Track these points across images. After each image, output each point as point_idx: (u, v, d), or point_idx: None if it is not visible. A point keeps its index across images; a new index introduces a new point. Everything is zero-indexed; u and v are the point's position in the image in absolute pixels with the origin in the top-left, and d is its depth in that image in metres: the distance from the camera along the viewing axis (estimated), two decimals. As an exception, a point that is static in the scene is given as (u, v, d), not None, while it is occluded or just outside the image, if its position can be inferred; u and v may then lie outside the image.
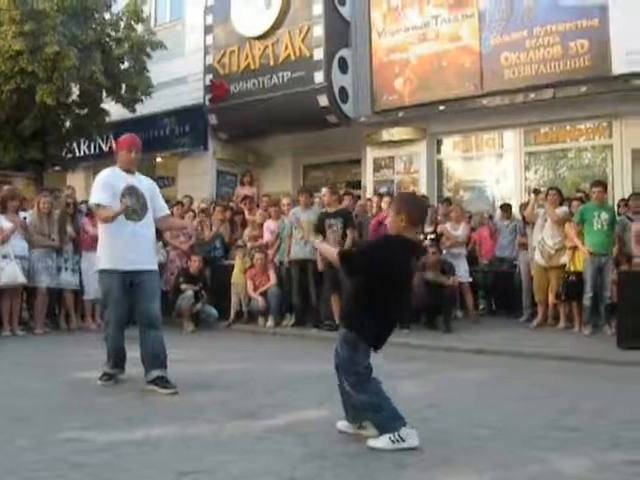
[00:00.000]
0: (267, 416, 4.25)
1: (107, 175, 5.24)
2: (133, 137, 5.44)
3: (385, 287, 3.56)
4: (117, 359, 5.31)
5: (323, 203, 9.32)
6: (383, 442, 3.50)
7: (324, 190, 9.18)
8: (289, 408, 4.50)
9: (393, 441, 3.47)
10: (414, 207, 3.63)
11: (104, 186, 5.14)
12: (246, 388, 5.25)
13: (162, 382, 4.99)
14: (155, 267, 5.37)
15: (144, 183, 5.38)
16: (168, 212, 5.71)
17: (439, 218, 10.12)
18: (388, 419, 3.53)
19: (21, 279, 8.51)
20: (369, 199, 11.26)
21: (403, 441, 3.46)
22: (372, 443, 3.54)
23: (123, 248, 5.07)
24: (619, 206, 9.45)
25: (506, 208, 10.80)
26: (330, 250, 4.01)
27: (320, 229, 8.76)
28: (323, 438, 3.78)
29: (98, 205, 5.15)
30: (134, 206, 5.14)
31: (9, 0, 11.21)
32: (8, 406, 4.56)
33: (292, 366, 6.48)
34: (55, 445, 3.60)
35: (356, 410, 3.72)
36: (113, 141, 15.34)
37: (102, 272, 5.22)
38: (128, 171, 5.28)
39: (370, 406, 3.57)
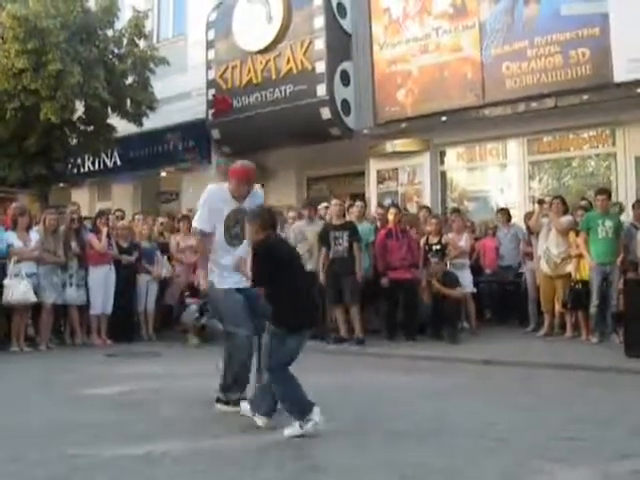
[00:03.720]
0: (269, 430, 4.26)
1: (215, 200, 5.06)
2: (247, 170, 5.10)
3: (282, 278, 4.27)
4: (244, 376, 5.06)
5: (331, 214, 9.32)
6: (294, 429, 4.08)
7: (335, 201, 9.20)
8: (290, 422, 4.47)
9: (302, 426, 4.07)
10: (261, 217, 4.46)
11: (210, 211, 5.01)
12: (251, 402, 5.24)
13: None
14: None
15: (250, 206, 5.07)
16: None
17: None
18: (295, 408, 4.17)
19: (33, 298, 8.51)
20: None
21: (308, 423, 4.06)
22: (286, 432, 4.09)
23: (226, 272, 4.97)
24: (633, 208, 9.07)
25: (503, 213, 10.77)
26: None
27: (325, 241, 8.81)
28: (323, 452, 3.78)
29: (200, 231, 5.09)
30: (237, 231, 5.04)
31: (13, 18, 11.27)
32: (14, 422, 4.56)
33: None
34: (61, 461, 3.60)
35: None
36: (117, 156, 15.48)
37: (222, 291, 4.98)
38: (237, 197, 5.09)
39: (281, 395, 4.23)
